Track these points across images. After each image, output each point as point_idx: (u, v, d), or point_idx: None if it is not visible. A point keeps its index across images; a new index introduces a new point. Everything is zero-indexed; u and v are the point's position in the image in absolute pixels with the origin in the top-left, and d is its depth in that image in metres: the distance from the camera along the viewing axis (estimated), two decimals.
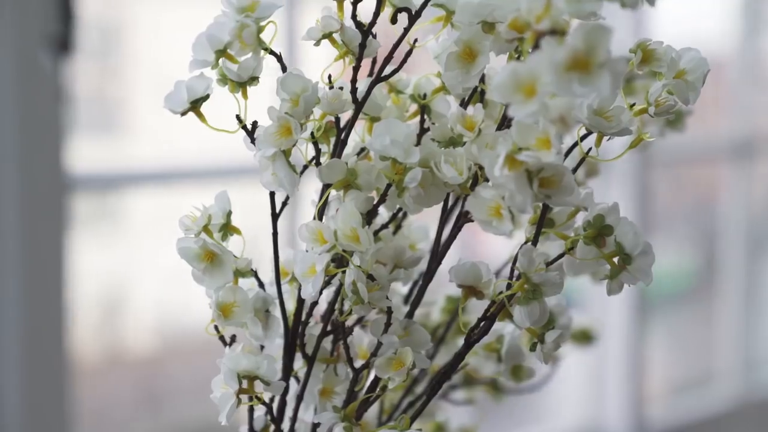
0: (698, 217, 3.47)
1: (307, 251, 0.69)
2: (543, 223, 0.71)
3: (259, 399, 0.72)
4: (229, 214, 0.73)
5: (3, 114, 1.54)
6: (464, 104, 0.72)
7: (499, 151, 0.63)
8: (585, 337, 1.00)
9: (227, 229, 0.73)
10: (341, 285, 0.71)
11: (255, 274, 0.75)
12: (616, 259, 0.67)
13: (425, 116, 0.75)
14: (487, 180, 0.67)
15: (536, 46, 0.62)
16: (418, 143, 0.74)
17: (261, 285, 0.75)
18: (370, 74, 0.73)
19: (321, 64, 0.72)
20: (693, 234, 3.45)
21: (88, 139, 2.26)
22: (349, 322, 0.78)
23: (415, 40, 0.72)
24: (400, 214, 0.77)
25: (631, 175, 2.59)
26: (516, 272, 0.72)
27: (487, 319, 0.70)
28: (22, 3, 1.54)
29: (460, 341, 0.85)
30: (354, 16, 0.68)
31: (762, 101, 3.26)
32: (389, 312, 0.72)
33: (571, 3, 0.57)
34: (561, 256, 0.69)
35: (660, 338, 3.10)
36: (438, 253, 0.73)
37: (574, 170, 0.72)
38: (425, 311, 0.88)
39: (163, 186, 2.03)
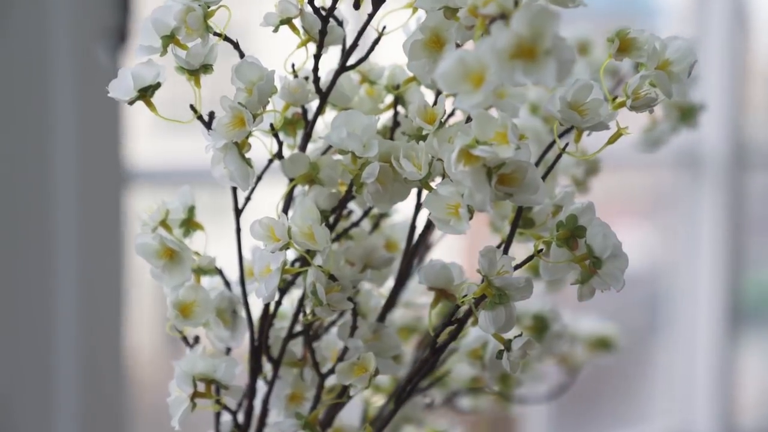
0: None
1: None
2: (518, 223, 0.67)
3: (221, 403, 0.69)
4: (192, 209, 0.70)
5: (61, 108, 1.53)
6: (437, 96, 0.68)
7: (457, 144, 0.59)
8: (603, 345, 0.94)
9: (189, 225, 0.70)
10: None
11: (220, 273, 0.72)
12: (588, 263, 0.62)
13: (402, 108, 0.71)
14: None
15: (487, 32, 0.58)
16: (391, 137, 0.70)
17: (227, 284, 0.72)
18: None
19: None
20: None
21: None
22: (326, 324, 0.74)
23: (384, 28, 0.68)
24: (376, 211, 0.73)
25: (725, 177, 2.49)
26: None
27: (452, 324, 0.65)
28: None
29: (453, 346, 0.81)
30: (311, 1, 0.64)
31: None
32: (354, 315, 0.68)
33: None
34: (529, 258, 0.64)
35: (758, 348, 2.99)
36: (409, 252, 0.69)
37: (551, 168, 0.67)
38: (417, 315, 0.84)
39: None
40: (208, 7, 0.63)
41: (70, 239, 1.55)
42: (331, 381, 0.71)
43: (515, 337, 0.64)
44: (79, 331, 1.56)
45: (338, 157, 0.68)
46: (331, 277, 0.65)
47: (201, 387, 0.68)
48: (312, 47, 0.67)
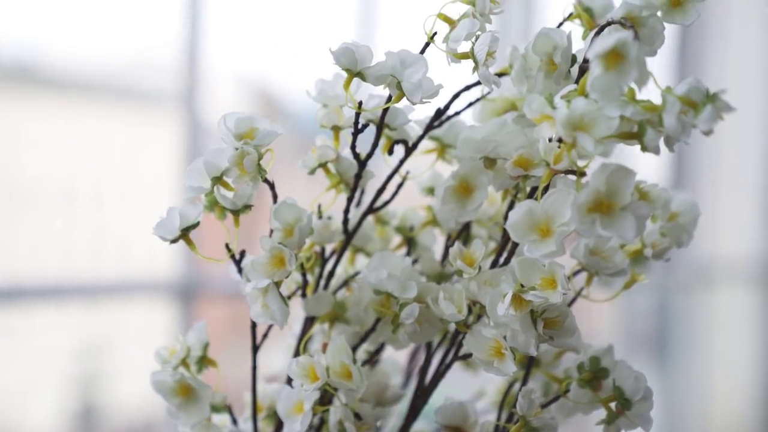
0: None
1: (294, 387, 0.66)
2: (533, 362, 0.70)
3: None
4: (206, 345, 0.70)
5: None
6: (453, 239, 0.71)
7: (504, 289, 0.62)
8: None
9: (204, 362, 0.70)
10: (322, 423, 0.68)
11: (229, 410, 0.71)
12: (613, 404, 0.66)
13: (410, 249, 0.73)
14: (479, 317, 0.65)
15: (547, 186, 0.61)
16: None
17: (234, 421, 0.71)
18: (357, 204, 0.71)
19: None
20: None
21: None
22: None
23: (407, 173, 0.71)
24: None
25: None
26: (506, 413, 0.71)
27: None
28: None
29: None
30: (353, 147, 0.66)
31: None
32: None
33: (598, 145, 0.56)
34: (556, 398, 0.67)
35: None
36: (425, 390, 0.71)
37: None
38: None
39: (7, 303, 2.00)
40: (260, 150, 0.64)
41: None
42: None
43: None
44: None
45: (345, 295, 0.70)
46: (356, 415, 0.66)
47: None
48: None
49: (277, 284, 0.65)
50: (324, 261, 0.70)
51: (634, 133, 0.58)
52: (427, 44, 0.64)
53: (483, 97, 0.69)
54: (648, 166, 3.35)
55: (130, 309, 2.20)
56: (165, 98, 2.19)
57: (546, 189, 0.61)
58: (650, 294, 3.47)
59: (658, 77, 0.58)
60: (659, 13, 0.63)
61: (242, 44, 2.38)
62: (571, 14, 0.67)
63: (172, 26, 2.12)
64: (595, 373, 0.67)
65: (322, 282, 0.70)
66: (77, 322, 2.20)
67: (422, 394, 0.71)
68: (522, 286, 0.61)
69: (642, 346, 3.58)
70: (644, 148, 0.58)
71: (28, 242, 2.14)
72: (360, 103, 0.65)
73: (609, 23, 0.61)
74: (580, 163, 0.60)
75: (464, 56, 0.64)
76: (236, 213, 0.65)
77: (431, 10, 0.65)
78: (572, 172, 0.60)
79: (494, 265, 0.67)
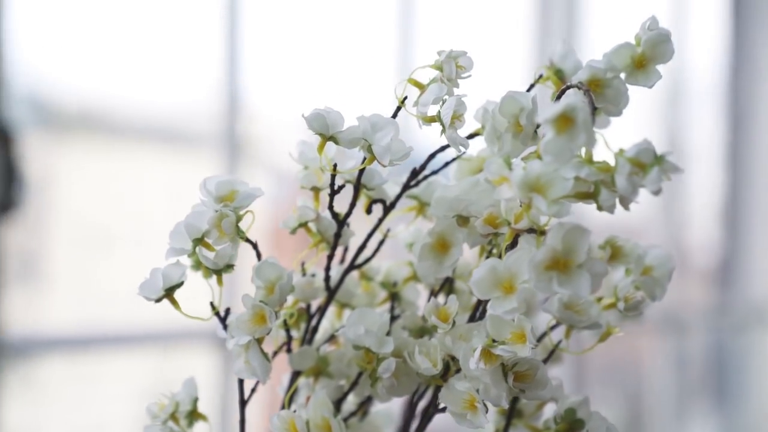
0: None
1: None
2: (513, 414, 0.72)
3: None
4: (196, 400, 0.72)
5: None
6: (435, 293, 0.73)
7: (474, 344, 0.64)
8: None
9: (193, 416, 0.72)
10: None
11: None
12: None
13: (394, 303, 0.75)
14: (458, 371, 0.67)
15: (513, 243, 0.63)
16: (388, 331, 0.74)
17: None
18: (341, 261, 0.74)
19: None
20: None
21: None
22: None
23: (388, 230, 0.73)
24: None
25: None
26: None
27: None
28: None
29: None
30: (331, 207, 0.69)
31: None
32: None
33: (552, 206, 0.58)
34: None
35: None
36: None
37: (544, 362, 0.72)
38: None
39: (78, 351, 2.04)
40: (239, 212, 0.66)
41: None
42: None
43: None
44: None
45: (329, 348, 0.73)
46: None
47: None
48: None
49: (259, 341, 0.67)
50: (310, 317, 0.73)
51: (589, 193, 0.60)
52: (398, 108, 0.67)
53: (459, 156, 0.71)
54: (702, 207, 3.36)
55: (199, 354, 2.24)
56: (227, 145, 2.25)
57: (512, 246, 0.63)
58: (706, 335, 3.46)
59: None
60: (623, 75, 0.65)
61: (297, 87, 2.43)
62: (541, 76, 0.70)
63: (227, 74, 2.18)
64: (570, 424, 0.68)
65: (308, 337, 0.72)
66: (147, 367, 2.25)
67: None
68: (493, 340, 0.63)
69: (698, 387, 3.57)
70: (600, 208, 0.60)
71: (100, 290, 2.20)
72: (335, 166, 0.67)
73: (569, 87, 0.64)
74: (542, 221, 0.62)
75: (433, 119, 0.66)
76: (219, 272, 0.68)
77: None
78: (533, 230, 0.62)
79: (472, 319, 0.69)
